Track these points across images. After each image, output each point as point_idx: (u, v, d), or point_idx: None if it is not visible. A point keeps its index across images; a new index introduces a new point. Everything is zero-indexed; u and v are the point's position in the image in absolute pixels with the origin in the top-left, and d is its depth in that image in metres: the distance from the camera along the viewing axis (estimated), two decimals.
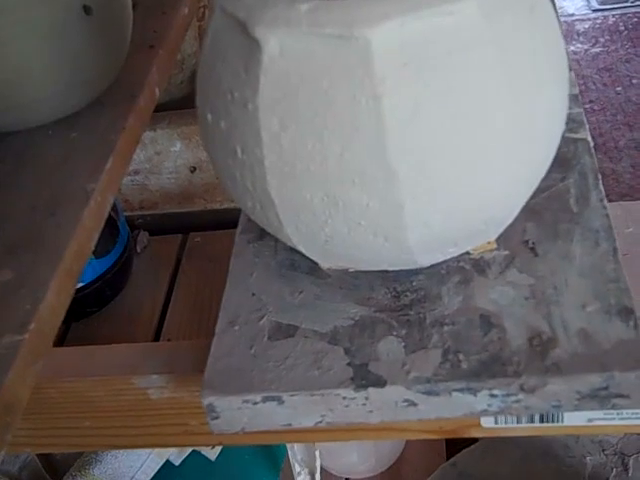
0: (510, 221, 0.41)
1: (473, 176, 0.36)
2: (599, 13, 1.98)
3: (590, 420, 0.43)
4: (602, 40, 1.90)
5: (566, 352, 0.37)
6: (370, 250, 0.38)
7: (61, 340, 0.85)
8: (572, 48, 1.88)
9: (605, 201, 0.44)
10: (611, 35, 1.90)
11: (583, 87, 1.77)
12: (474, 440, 0.89)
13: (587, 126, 0.49)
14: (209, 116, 0.39)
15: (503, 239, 0.43)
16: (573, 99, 0.51)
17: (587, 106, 1.71)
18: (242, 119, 0.36)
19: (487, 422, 0.43)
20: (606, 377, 0.36)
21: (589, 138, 0.49)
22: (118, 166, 0.53)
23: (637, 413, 0.42)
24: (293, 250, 0.42)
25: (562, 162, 0.47)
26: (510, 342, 0.38)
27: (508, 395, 0.37)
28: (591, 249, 0.41)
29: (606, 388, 0.36)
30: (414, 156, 0.34)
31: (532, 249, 0.42)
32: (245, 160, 0.37)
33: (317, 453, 0.75)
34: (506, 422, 0.43)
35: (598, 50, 1.87)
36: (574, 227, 0.43)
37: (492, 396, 0.37)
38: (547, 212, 0.44)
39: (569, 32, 1.95)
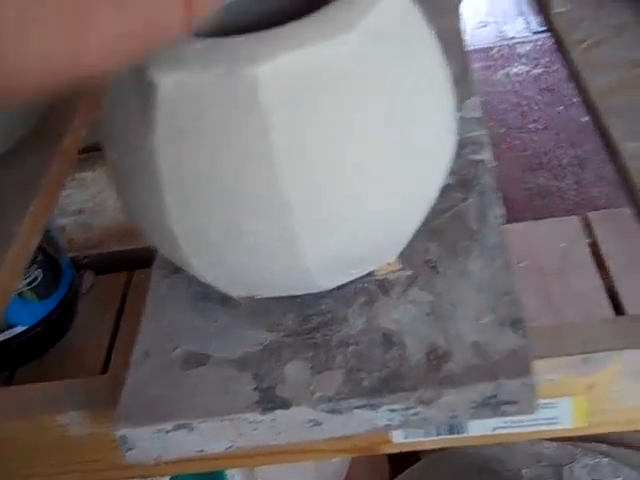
0: (405, 243, 0.43)
1: (364, 203, 0.38)
2: (539, 35, 2.04)
3: (494, 429, 0.45)
4: (543, 61, 1.95)
5: (459, 364, 0.39)
6: (272, 277, 0.40)
7: (7, 385, 0.85)
8: (514, 70, 1.93)
9: (500, 219, 0.46)
10: (551, 56, 1.95)
11: (526, 107, 1.82)
12: (417, 460, 0.91)
13: (489, 147, 0.52)
14: (114, 156, 0.41)
15: (407, 259, 0.45)
16: (477, 122, 0.54)
17: (531, 125, 1.76)
18: (141, 159, 0.38)
19: (397, 437, 0.45)
20: (495, 385, 0.37)
21: (489, 159, 0.51)
22: (43, 208, 0.53)
23: (537, 420, 0.44)
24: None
25: (463, 183, 0.49)
26: (409, 358, 0.40)
27: (407, 409, 0.38)
28: (487, 264, 0.43)
29: (495, 396, 0.38)
30: (305, 185, 0.36)
31: (433, 267, 0.44)
32: (147, 198, 0.39)
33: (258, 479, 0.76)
34: (416, 436, 0.45)
35: (540, 71, 1.92)
36: (473, 244, 0.45)
37: (392, 411, 0.38)
38: (448, 231, 0.46)
39: (511, 55, 2.00)
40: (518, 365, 0.38)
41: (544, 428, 0.45)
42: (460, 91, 0.56)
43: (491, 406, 0.38)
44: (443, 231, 0.46)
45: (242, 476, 0.77)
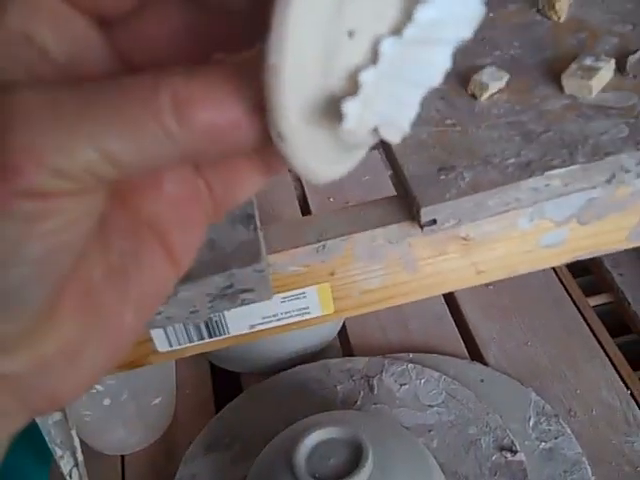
0: None
1: None
2: None
3: (252, 327, 0.47)
4: None
5: (195, 260, 0.40)
6: None
7: None
8: None
9: None
10: None
11: None
12: (240, 392, 0.93)
13: None
14: None
15: None
16: None
17: None
18: None
19: (162, 346, 0.47)
20: (228, 275, 0.40)
21: None
22: None
23: (290, 313, 0.47)
24: None
25: None
26: None
27: None
28: None
29: (231, 286, 0.40)
30: None
31: None
32: None
33: (73, 433, 0.76)
34: (180, 343, 0.47)
35: None
36: None
37: None
38: None
39: None
40: (248, 254, 0.40)
41: (298, 319, 0.47)
42: None
43: (229, 296, 0.40)
44: None
45: (59, 429, 0.76)
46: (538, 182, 0.43)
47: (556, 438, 0.82)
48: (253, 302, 0.41)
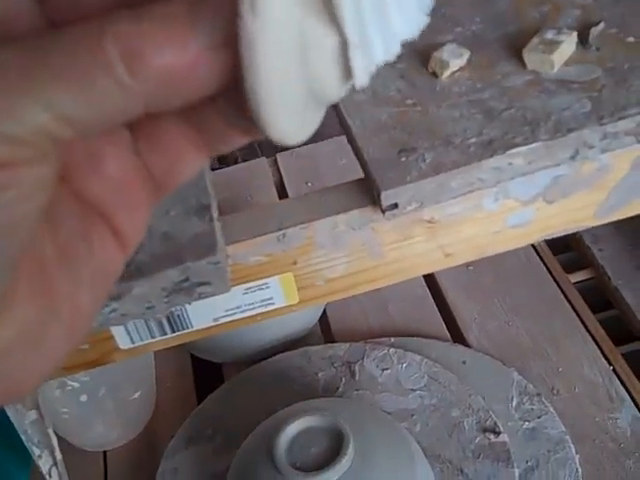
0: None
1: None
2: None
3: (216, 319, 0.46)
4: None
5: (147, 255, 0.39)
6: None
7: None
8: None
9: None
10: None
11: None
12: (222, 384, 0.92)
13: None
14: None
15: None
16: None
17: None
18: None
19: (124, 343, 0.45)
20: (182, 269, 0.38)
21: None
22: None
23: (254, 304, 0.46)
24: None
25: None
26: None
27: (104, 306, 0.39)
28: None
29: (187, 280, 0.39)
30: None
31: None
32: None
33: (50, 431, 0.75)
34: (142, 339, 0.46)
35: None
36: None
37: None
38: None
39: None
40: (203, 247, 0.39)
41: (262, 310, 0.46)
42: None
43: (185, 290, 0.39)
44: None
45: (35, 429, 0.75)
46: (500, 161, 0.42)
47: (539, 417, 0.81)
48: (210, 295, 0.40)
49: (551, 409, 0.82)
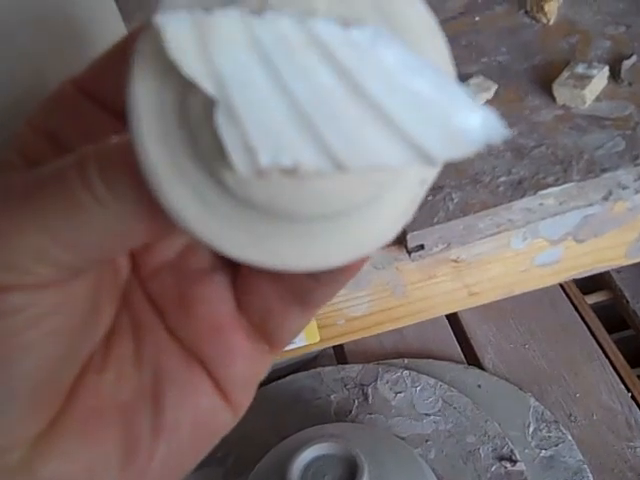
0: None
1: None
2: None
3: None
4: None
5: None
6: None
7: None
8: None
9: None
10: None
11: None
12: None
13: None
14: None
15: None
16: None
17: None
18: None
19: None
20: None
21: None
22: None
23: None
24: None
25: None
26: None
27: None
28: None
29: None
30: None
31: None
32: None
33: None
34: None
35: None
36: None
37: None
38: None
39: None
40: None
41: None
42: None
43: None
44: None
45: None
46: (531, 202, 0.40)
47: (557, 445, 0.80)
48: None
49: (569, 437, 0.80)
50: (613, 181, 0.41)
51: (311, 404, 0.87)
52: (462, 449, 0.80)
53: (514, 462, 0.77)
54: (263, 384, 0.91)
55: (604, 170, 0.40)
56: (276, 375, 0.92)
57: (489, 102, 0.46)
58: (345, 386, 0.88)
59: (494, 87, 0.45)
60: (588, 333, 0.92)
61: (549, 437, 0.81)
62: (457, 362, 0.92)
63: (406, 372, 0.88)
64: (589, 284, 1.02)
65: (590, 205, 0.42)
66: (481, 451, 0.79)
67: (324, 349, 0.96)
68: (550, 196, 0.41)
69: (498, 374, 0.89)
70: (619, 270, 0.98)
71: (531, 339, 0.93)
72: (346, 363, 0.93)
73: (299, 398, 0.88)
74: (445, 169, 0.43)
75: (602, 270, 0.46)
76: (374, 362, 0.91)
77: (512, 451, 0.78)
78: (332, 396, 0.88)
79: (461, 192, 0.41)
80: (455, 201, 0.41)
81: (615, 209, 0.43)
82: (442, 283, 0.44)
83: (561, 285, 0.98)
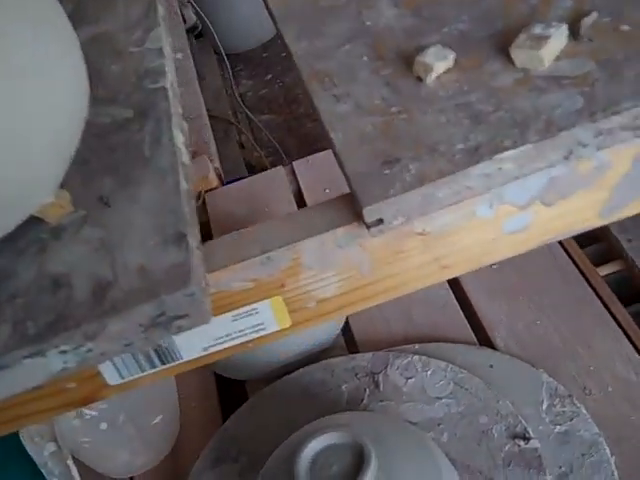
0: (55, 184, 0.41)
1: None
2: None
3: (206, 349, 0.44)
4: None
5: (122, 291, 0.38)
6: None
7: None
8: None
9: (175, 140, 0.45)
10: None
11: None
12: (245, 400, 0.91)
13: (167, 75, 0.51)
14: None
15: (81, 200, 0.43)
16: (158, 52, 0.53)
17: None
18: None
19: (113, 379, 0.44)
20: (157, 303, 0.37)
21: (167, 85, 0.50)
22: None
23: (244, 331, 0.44)
24: None
25: (142, 113, 0.48)
26: (76, 297, 0.38)
27: (77, 347, 0.37)
28: (157, 187, 0.43)
29: (163, 314, 0.37)
30: None
31: (106, 203, 0.43)
32: None
33: (70, 462, 0.74)
34: (131, 374, 0.44)
35: None
36: (145, 172, 0.44)
37: (63, 352, 0.37)
38: (123, 164, 0.45)
39: None
40: (177, 278, 0.37)
41: (254, 336, 0.45)
42: (145, 25, 0.55)
43: (162, 325, 0.38)
44: (118, 165, 0.45)
45: (55, 461, 0.75)
46: (489, 167, 0.39)
47: (571, 420, 0.79)
48: (190, 328, 0.38)
49: (583, 410, 0.79)
50: (572, 139, 0.40)
51: (322, 396, 0.87)
52: (475, 430, 0.79)
53: (528, 440, 0.76)
54: (270, 380, 0.91)
55: (561, 129, 0.39)
56: (289, 370, 0.92)
57: (449, 71, 0.45)
58: (356, 375, 0.88)
59: (452, 55, 0.45)
60: (601, 305, 0.90)
61: (563, 412, 0.79)
62: (469, 343, 0.91)
63: (416, 357, 0.87)
64: (601, 255, 1.00)
65: (552, 166, 0.41)
66: (494, 431, 0.78)
67: (335, 341, 0.96)
68: (508, 160, 0.40)
69: (510, 353, 0.88)
70: (629, 238, 0.96)
71: (543, 315, 0.91)
72: (357, 352, 0.92)
73: (310, 391, 0.88)
74: (402, 141, 0.42)
75: (576, 233, 0.45)
76: (385, 349, 0.90)
77: (525, 429, 0.77)
78: (343, 386, 0.87)
79: (418, 163, 0.40)
80: (412, 172, 0.40)
81: (580, 169, 0.42)
82: (411, 258, 0.44)
83: (571, 257, 0.97)
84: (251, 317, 0.44)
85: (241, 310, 0.43)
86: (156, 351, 0.44)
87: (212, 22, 1.95)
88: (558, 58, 0.43)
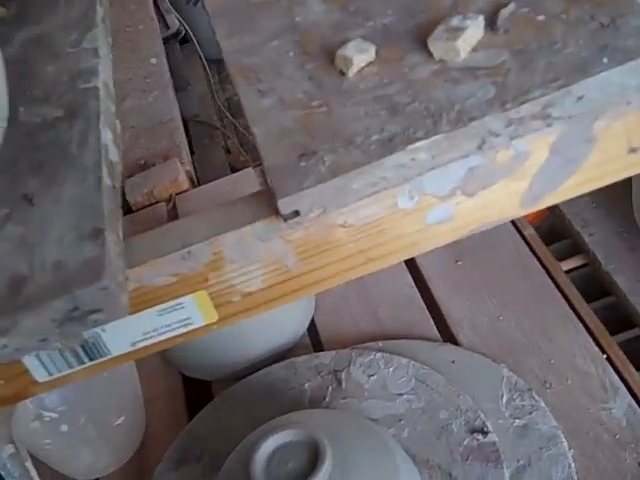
0: None
1: None
2: None
3: (134, 344, 0.45)
4: None
5: (37, 286, 0.38)
6: None
7: None
8: None
9: (102, 138, 0.46)
10: None
11: None
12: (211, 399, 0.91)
13: (100, 75, 0.51)
14: None
15: (5, 199, 0.44)
16: (94, 52, 0.53)
17: None
18: None
19: (42, 376, 0.44)
20: (70, 298, 0.37)
21: (99, 85, 0.50)
22: None
23: (171, 326, 0.44)
24: None
25: (71, 112, 0.48)
26: None
27: None
28: (79, 185, 0.43)
29: (77, 308, 0.37)
30: None
31: (30, 201, 0.43)
32: None
33: (28, 464, 0.74)
34: (59, 370, 0.44)
35: None
36: (70, 170, 0.44)
37: None
38: (50, 162, 0.45)
39: None
40: (91, 273, 0.38)
41: (182, 331, 0.45)
42: (83, 26, 0.56)
43: (77, 319, 0.38)
44: (45, 163, 0.45)
45: (15, 463, 0.75)
46: (402, 157, 0.40)
47: (530, 413, 0.79)
48: (106, 322, 0.39)
49: (542, 404, 0.79)
50: (483, 129, 0.40)
51: (286, 395, 0.87)
52: (435, 425, 0.79)
53: (486, 434, 0.76)
54: (237, 380, 0.91)
55: (472, 119, 0.40)
56: (255, 369, 0.92)
57: (370, 64, 0.45)
58: (319, 374, 0.88)
59: (372, 48, 0.45)
60: (563, 300, 0.91)
61: (522, 406, 0.80)
62: (433, 340, 0.91)
63: (379, 354, 0.87)
64: (564, 250, 1.00)
65: (466, 156, 0.41)
66: (454, 426, 0.78)
67: (300, 340, 0.96)
68: (421, 150, 0.40)
69: (473, 348, 0.88)
70: (591, 233, 0.97)
71: (506, 311, 0.91)
72: (322, 351, 0.93)
73: (273, 390, 0.88)
74: (320, 134, 0.42)
75: (500, 222, 0.45)
76: (347, 348, 0.90)
77: (484, 423, 0.77)
78: (306, 385, 0.87)
79: (333, 155, 0.41)
80: (327, 164, 0.40)
81: (498, 159, 0.42)
82: (335, 250, 0.44)
83: (535, 253, 0.97)
84: (177, 312, 0.44)
85: (166, 305, 0.44)
86: (83, 347, 0.44)
87: (195, 28, 1.94)
88: (475, 49, 0.44)
